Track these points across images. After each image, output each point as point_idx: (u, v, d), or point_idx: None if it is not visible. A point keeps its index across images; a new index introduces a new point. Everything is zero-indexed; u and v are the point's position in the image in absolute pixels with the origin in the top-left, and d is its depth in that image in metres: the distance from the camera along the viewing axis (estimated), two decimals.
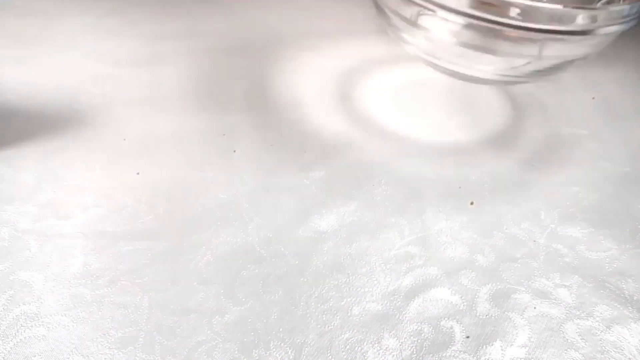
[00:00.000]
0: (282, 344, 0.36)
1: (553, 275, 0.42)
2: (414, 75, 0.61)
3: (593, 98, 0.62)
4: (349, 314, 0.38)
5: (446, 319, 0.39)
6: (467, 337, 0.38)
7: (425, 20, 0.41)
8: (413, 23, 0.41)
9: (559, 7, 0.35)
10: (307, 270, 0.40)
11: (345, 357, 0.36)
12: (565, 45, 0.39)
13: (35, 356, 0.35)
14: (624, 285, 0.42)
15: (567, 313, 0.39)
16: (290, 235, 0.43)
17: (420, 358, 0.36)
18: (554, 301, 0.40)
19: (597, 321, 0.39)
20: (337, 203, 0.45)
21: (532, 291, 0.41)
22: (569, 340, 0.38)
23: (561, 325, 0.39)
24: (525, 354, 0.37)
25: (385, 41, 0.67)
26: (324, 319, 0.38)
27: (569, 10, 0.35)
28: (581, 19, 0.36)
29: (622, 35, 0.73)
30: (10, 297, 0.38)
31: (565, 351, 0.37)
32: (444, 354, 0.36)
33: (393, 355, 0.36)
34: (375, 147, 0.51)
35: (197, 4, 0.75)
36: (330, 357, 0.36)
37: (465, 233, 0.44)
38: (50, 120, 0.53)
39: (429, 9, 0.39)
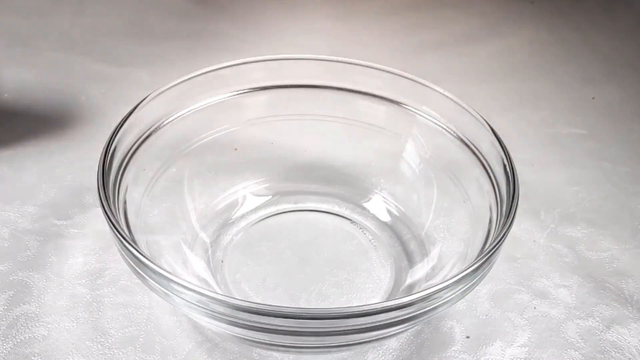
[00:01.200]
0: None
1: (553, 275, 0.42)
2: None
3: (593, 98, 0.62)
4: None
5: (446, 319, 0.39)
6: (467, 337, 0.38)
7: None
8: None
9: None
10: (307, 267, 0.40)
11: (345, 356, 0.36)
12: None
13: (35, 356, 0.35)
14: (624, 285, 0.42)
15: (567, 313, 0.39)
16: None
17: (421, 358, 0.36)
18: (553, 301, 0.40)
19: (597, 321, 0.39)
20: None
21: (532, 291, 0.41)
22: (569, 340, 0.38)
23: (561, 325, 0.39)
24: (525, 354, 0.37)
25: None
26: None
27: None
28: None
29: (622, 34, 0.73)
30: (11, 297, 0.38)
31: (565, 351, 0.37)
32: (444, 354, 0.36)
33: (393, 356, 0.36)
34: None
35: (198, 4, 0.75)
36: (330, 357, 0.36)
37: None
38: (50, 120, 0.53)
39: None
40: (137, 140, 0.38)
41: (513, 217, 0.33)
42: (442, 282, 0.29)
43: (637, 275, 0.43)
